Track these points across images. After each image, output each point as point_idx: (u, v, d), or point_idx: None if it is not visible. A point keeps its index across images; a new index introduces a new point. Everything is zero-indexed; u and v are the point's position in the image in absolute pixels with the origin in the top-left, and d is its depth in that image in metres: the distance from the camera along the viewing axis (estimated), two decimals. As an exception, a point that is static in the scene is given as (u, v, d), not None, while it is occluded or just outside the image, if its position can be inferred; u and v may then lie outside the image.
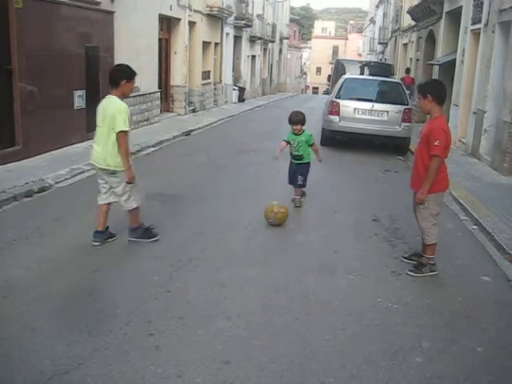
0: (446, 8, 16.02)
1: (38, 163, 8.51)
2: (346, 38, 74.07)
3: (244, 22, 24.04)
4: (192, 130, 14.24)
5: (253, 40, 28.32)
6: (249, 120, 18.73)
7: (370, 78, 13.70)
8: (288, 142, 7.03)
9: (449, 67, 14.87)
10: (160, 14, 14.67)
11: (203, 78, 19.47)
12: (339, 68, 20.83)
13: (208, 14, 19.13)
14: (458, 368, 3.49)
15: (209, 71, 20.40)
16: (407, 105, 11.96)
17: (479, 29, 11.91)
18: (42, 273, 4.55)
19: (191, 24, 17.50)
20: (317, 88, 63.41)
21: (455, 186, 7.93)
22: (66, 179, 7.79)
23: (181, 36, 16.76)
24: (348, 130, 11.85)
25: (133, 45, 12.71)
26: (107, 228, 5.28)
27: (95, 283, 4.48)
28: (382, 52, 38.69)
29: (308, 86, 64.37)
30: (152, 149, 11.07)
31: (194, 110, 18.15)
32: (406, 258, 5.30)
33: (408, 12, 22.12)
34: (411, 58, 23.42)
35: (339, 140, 12.28)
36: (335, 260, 5.31)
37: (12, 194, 6.66)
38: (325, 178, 9.27)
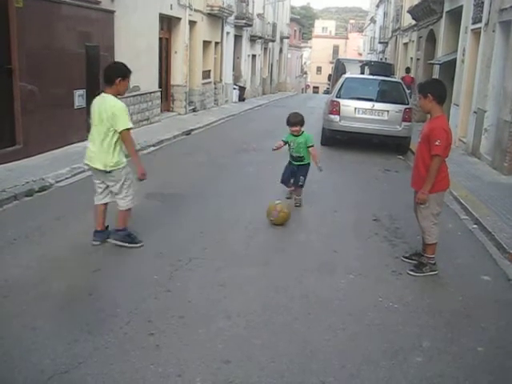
0: (447, 7, 16.02)
1: (38, 162, 8.51)
2: (347, 38, 74.04)
3: (244, 21, 24.03)
4: (192, 130, 14.24)
5: (253, 39, 28.31)
6: (249, 119, 18.73)
7: (371, 77, 13.69)
8: (286, 143, 7.00)
9: (449, 67, 14.87)
10: (160, 14, 14.66)
11: (203, 78, 19.47)
12: (339, 67, 20.83)
13: (208, 14, 19.12)
14: (458, 367, 3.50)
15: (209, 70, 20.39)
16: (407, 104, 11.95)
17: (480, 28, 11.90)
18: (42, 272, 4.55)
19: (192, 23, 17.49)
20: (317, 87, 63.39)
21: (455, 186, 7.93)
22: (67, 178, 7.79)
23: (181, 35, 16.75)
24: (348, 130, 11.85)
25: (133, 44, 12.71)
26: (107, 227, 5.28)
27: (95, 282, 4.48)
28: (383, 51, 38.68)
29: (308, 86, 64.34)
30: (152, 148, 11.07)
31: (194, 110, 18.15)
32: (406, 257, 5.30)
33: (408, 11, 22.11)
34: (412, 58, 23.41)
35: (339, 139, 12.28)
36: (335, 259, 5.31)
37: (12, 193, 6.66)
38: (325, 177, 9.26)
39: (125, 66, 5.13)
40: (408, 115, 11.72)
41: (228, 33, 22.65)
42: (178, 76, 17.01)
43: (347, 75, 13.75)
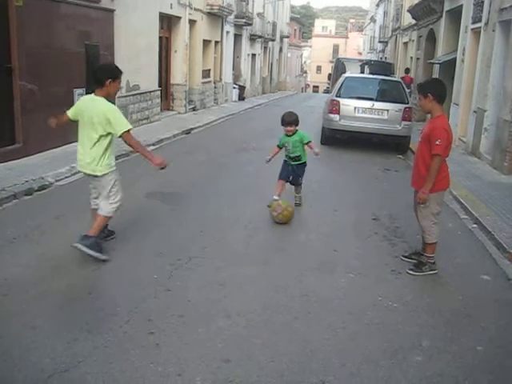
0: (447, 7, 16.01)
1: (38, 161, 8.51)
2: (347, 37, 74.03)
3: (244, 20, 24.01)
4: (192, 129, 14.24)
5: (253, 38, 28.29)
6: (249, 118, 18.73)
7: (371, 76, 13.68)
8: (281, 147, 6.90)
9: (449, 66, 14.87)
10: (160, 13, 14.65)
11: (203, 77, 19.46)
12: (339, 67, 20.83)
13: (208, 13, 19.11)
14: (457, 367, 3.50)
15: (209, 70, 20.38)
16: (407, 103, 11.95)
17: (480, 28, 11.90)
18: (41, 271, 4.55)
19: (191, 22, 17.48)
20: (317, 87, 63.38)
21: (455, 185, 7.93)
22: (66, 177, 7.79)
23: (181, 34, 16.75)
24: (348, 129, 11.85)
25: (133, 43, 12.71)
26: (106, 226, 5.27)
27: (95, 281, 4.49)
28: (383, 51, 38.67)
29: (308, 85, 64.31)
30: (152, 147, 11.05)
31: (194, 109, 18.15)
32: (406, 256, 5.30)
33: (408, 11, 22.12)
34: (411, 57, 23.41)
35: (339, 139, 12.28)
36: (335, 259, 5.31)
37: (12, 192, 6.66)
38: (325, 176, 9.27)
39: (115, 66, 4.98)
40: (408, 114, 11.72)
41: (228, 32, 22.63)
42: (177, 75, 17.01)
43: (347, 74, 13.76)
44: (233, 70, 24.59)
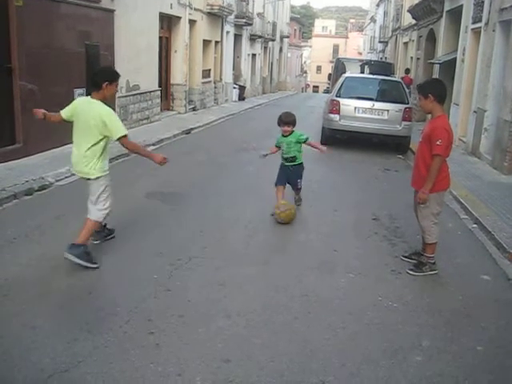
0: (447, 7, 16.01)
1: (38, 161, 8.51)
2: (347, 37, 74.02)
3: (244, 20, 24.02)
4: (192, 129, 14.24)
5: (253, 38, 28.29)
6: (249, 118, 18.73)
7: (371, 76, 13.68)
8: (278, 147, 6.73)
9: (449, 66, 14.87)
10: (160, 13, 14.65)
11: (203, 77, 19.46)
12: (339, 67, 20.83)
13: (208, 13, 19.11)
14: (457, 367, 3.50)
15: (209, 70, 20.38)
16: (407, 104, 11.95)
17: (480, 28, 11.90)
18: (42, 271, 4.55)
19: (191, 22, 17.48)
20: (317, 87, 63.38)
21: (455, 185, 7.93)
22: (66, 177, 7.78)
23: (181, 34, 16.75)
24: (348, 129, 11.85)
25: (133, 43, 12.71)
26: (105, 226, 5.26)
27: (95, 281, 4.48)
28: (383, 51, 38.67)
29: (308, 85, 64.31)
30: (152, 147, 11.06)
31: (194, 109, 18.15)
32: (406, 256, 5.30)
33: (408, 11, 22.12)
34: (412, 57, 23.41)
35: (339, 139, 12.27)
36: (335, 259, 5.31)
37: (12, 192, 6.67)
38: (325, 176, 9.28)
39: (113, 70, 4.95)
40: (408, 114, 11.72)
41: (228, 32, 22.63)
42: (177, 75, 17.01)
43: (347, 74, 13.76)
44: (233, 70, 24.59)
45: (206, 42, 19.45)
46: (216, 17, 20.16)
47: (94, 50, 10.72)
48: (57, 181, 7.56)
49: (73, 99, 5.10)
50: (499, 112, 10.04)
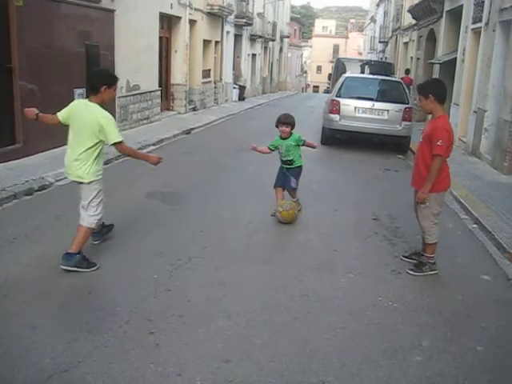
0: (447, 7, 16.01)
1: (38, 161, 8.51)
2: (347, 37, 74.02)
3: (244, 20, 24.02)
4: (192, 129, 14.24)
5: (253, 38, 28.29)
6: (249, 118, 18.73)
7: (371, 76, 13.68)
8: (272, 150, 6.53)
9: (449, 66, 14.87)
10: (160, 13, 14.65)
11: (204, 77, 19.46)
12: (340, 67, 20.82)
13: (208, 13, 19.11)
14: (457, 367, 3.50)
15: (209, 70, 20.38)
16: (408, 104, 11.96)
17: (480, 28, 11.90)
18: (42, 271, 4.55)
19: (192, 22, 17.48)
20: (317, 87, 63.39)
21: (455, 185, 7.93)
22: (67, 177, 7.76)
23: (181, 34, 16.75)
24: (348, 129, 11.85)
25: (133, 43, 12.71)
26: (103, 225, 5.22)
27: (95, 281, 4.48)
28: (383, 51, 38.67)
29: (308, 85, 64.32)
30: (152, 147, 11.07)
31: (194, 109, 18.15)
32: (406, 256, 5.30)
33: (409, 11, 22.11)
34: (412, 57, 23.41)
35: (339, 139, 12.28)
36: (335, 259, 5.31)
37: (12, 192, 6.67)
38: (325, 176, 9.28)
39: (111, 73, 4.89)
40: (408, 114, 11.73)
41: (228, 32, 22.63)
42: (178, 75, 17.01)
43: (347, 74, 13.76)
44: (233, 70, 24.59)
45: (206, 42, 19.46)
46: (216, 17, 20.16)
47: (94, 49, 10.72)
48: (57, 181, 7.55)
49: (73, 99, 5.09)
50: (499, 112, 10.04)
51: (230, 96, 23.82)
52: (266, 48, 33.50)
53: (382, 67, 19.17)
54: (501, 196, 7.95)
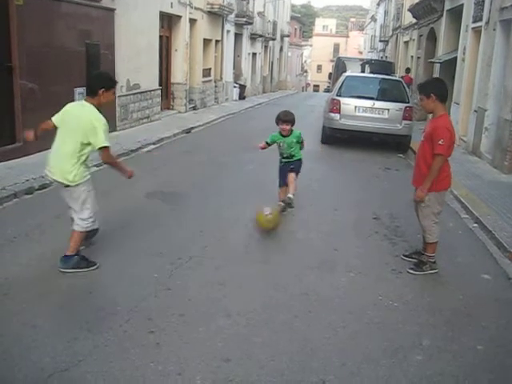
0: (447, 6, 16.00)
1: (38, 160, 8.47)
2: (347, 36, 73.98)
3: (245, 19, 24.01)
4: (192, 128, 14.23)
5: (253, 37, 28.28)
6: (249, 117, 18.72)
7: (371, 75, 13.68)
8: (269, 144, 6.55)
9: (450, 65, 14.86)
10: (161, 12, 14.64)
11: (204, 76, 19.46)
12: (340, 66, 20.82)
13: (209, 12, 19.10)
14: (458, 366, 3.49)
15: (209, 69, 20.37)
16: (408, 103, 11.95)
17: (480, 27, 11.89)
18: (42, 270, 4.55)
19: (192, 21, 17.47)
20: (317, 86, 63.38)
21: (456, 185, 7.92)
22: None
23: (181, 33, 16.74)
24: (349, 128, 11.84)
25: (133, 42, 12.71)
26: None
27: (95, 281, 4.48)
28: (383, 50, 38.66)
29: (309, 84, 64.30)
30: (152, 146, 11.07)
31: (194, 108, 18.14)
32: (406, 256, 5.30)
33: (409, 10, 22.11)
34: (412, 56, 23.39)
35: (340, 138, 12.27)
36: (335, 258, 5.31)
37: (12, 191, 6.67)
38: (325, 175, 9.27)
39: (110, 76, 4.79)
40: (408, 113, 11.72)
41: (228, 31, 22.62)
42: (178, 74, 17.00)
43: (348, 73, 13.75)
44: (233, 69, 24.58)
45: (206, 41, 19.44)
46: (216, 16, 20.15)
47: (95, 49, 10.72)
48: (57, 180, 7.55)
49: (73, 98, 5.07)
50: (500, 111, 10.03)
51: (231, 95, 23.82)
52: (266, 47, 33.48)
53: (382, 66, 19.12)
54: (501, 195, 7.94)
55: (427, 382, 3.31)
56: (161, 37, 15.21)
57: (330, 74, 24.16)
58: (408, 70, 21.63)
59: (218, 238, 5.63)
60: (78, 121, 4.41)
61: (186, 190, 7.59)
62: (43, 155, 8.71)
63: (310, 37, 73.63)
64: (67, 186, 4.47)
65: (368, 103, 11.81)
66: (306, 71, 66.52)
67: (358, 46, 65.73)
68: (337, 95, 12.17)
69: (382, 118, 11.74)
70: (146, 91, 13.71)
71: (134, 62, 12.74)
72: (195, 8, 17.38)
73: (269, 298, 4.31)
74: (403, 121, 11.66)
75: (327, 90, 33.07)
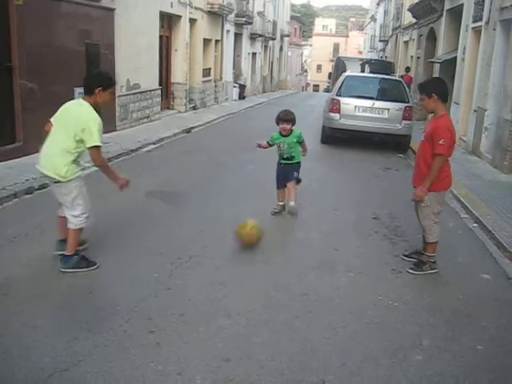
0: (447, 6, 16.00)
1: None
2: (347, 36, 73.96)
3: (245, 19, 24.01)
4: (192, 128, 14.23)
5: (253, 37, 28.28)
6: (249, 117, 18.72)
7: (371, 75, 13.68)
8: (271, 145, 6.56)
9: (450, 65, 14.86)
10: (161, 11, 14.64)
11: (204, 76, 19.46)
12: (340, 65, 20.82)
13: (209, 11, 19.10)
14: (458, 366, 3.49)
15: (209, 68, 20.37)
16: (408, 102, 11.95)
17: (480, 26, 11.89)
18: (42, 270, 4.55)
19: (192, 21, 17.47)
20: (317, 86, 63.37)
21: (456, 184, 7.91)
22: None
23: (181, 33, 16.73)
24: (348, 128, 11.84)
25: (133, 42, 12.70)
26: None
27: (95, 281, 4.48)
28: (383, 50, 38.65)
29: (309, 84, 64.30)
30: (152, 146, 11.06)
31: (194, 108, 18.14)
32: (406, 255, 5.30)
33: (409, 9, 22.10)
34: (412, 56, 23.40)
35: (340, 138, 12.27)
36: (336, 258, 5.31)
37: (12, 191, 6.67)
38: (325, 176, 9.27)
39: (109, 76, 4.70)
40: (408, 113, 11.72)
41: (228, 31, 22.62)
42: (178, 74, 17.00)
43: (347, 73, 13.75)
44: (233, 68, 24.58)
45: (206, 41, 19.44)
46: (216, 15, 20.15)
47: (95, 48, 10.72)
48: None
49: (73, 98, 5.06)
50: (499, 111, 10.03)
51: (231, 95, 23.82)
52: (266, 47, 33.48)
53: (382, 66, 19.12)
54: (501, 195, 7.94)
55: (427, 382, 3.31)
56: (161, 37, 15.21)
57: (330, 73, 24.17)
58: (408, 69, 21.63)
59: (218, 238, 5.63)
60: (72, 118, 4.40)
61: (186, 189, 7.59)
62: (43, 155, 8.76)
63: (310, 36, 73.64)
64: (58, 181, 4.44)
65: (368, 103, 11.81)
66: (305, 71, 66.53)
67: (357, 45, 65.71)
68: (337, 95, 12.17)
69: (382, 117, 11.74)
70: (145, 91, 13.71)
71: (133, 61, 12.74)
72: (195, 8, 17.38)
73: (269, 298, 4.31)
74: (403, 121, 11.66)
75: (327, 90, 33.07)
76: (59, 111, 4.58)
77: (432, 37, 18.69)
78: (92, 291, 4.26)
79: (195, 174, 8.78)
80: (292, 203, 6.47)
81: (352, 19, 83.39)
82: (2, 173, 7.48)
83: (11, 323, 3.68)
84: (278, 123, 6.47)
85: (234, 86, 24.33)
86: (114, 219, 5.57)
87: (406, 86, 12.73)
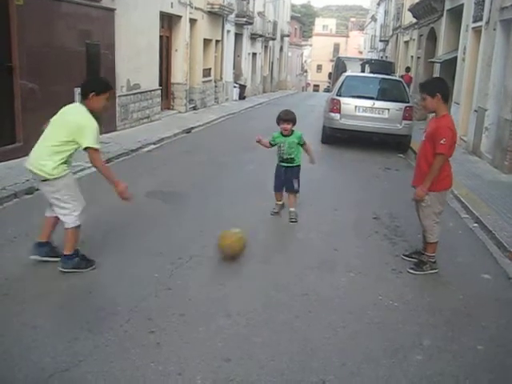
0: (448, 6, 16.00)
1: (38, 160, 8.50)
2: (347, 36, 73.98)
3: (245, 19, 24.01)
4: (193, 128, 14.23)
5: (254, 37, 28.29)
6: (249, 117, 18.72)
7: (371, 75, 13.67)
8: (273, 145, 6.51)
9: (450, 65, 14.86)
10: (161, 12, 14.65)
11: (204, 76, 19.46)
12: (340, 66, 20.84)
13: (209, 12, 19.10)
14: (458, 366, 3.49)
15: (209, 69, 20.37)
16: (408, 102, 11.95)
17: (480, 26, 11.89)
18: (42, 270, 4.54)
19: (192, 21, 17.47)
20: (317, 86, 63.38)
21: (456, 184, 7.89)
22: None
23: (182, 33, 16.74)
24: (349, 128, 11.84)
25: (134, 42, 12.71)
26: (50, 244, 4.72)
27: (95, 281, 4.48)
28: (383, 50, 38.66)
29: (309, 84, 64.30)
30: (153, 146, 11.07)
31: (194, 108, 18.14)
32: (406, 255, 5.30)
33: (409, 9, 22.11)
34: (412, 56, 23.39)
35: (340, 138, 12.28)
36: (336, 258, 5.31)
37: (13, 191, 6.67)
38: (325, 175, 9.27)
39: (104, 81, 4.70)
40: (408, 113, 11.72)
41: (228, 31, 22.62)
42: (178, 74, 17.00)
43: (348, 73, 13.75)
44: (233, 68, 24.58)
45: (206, 41, 19.45)
46: (217, 16, 20.15)
47: (95, 49, 10.73)
48: (57, 180, 7.55)
49: (73, 98, 5.06)
50: (500, 111, 10.03)
51: (231, 95, 23.82)
52: (266, 47, 33.49)
53: (382, 66, 19.09)
54: (501, 195, 7.94)
55: (427, 382, 3.31)
56: (161, 37, 15.21)
57: (330, 73, 24.20)
58: (408, 69, 21.63)
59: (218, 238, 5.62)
60: (66, 120, 4.39)
61: (186, 189, 7.59)
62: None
63: (310, 37, 73.65)
64: (45, 179, 4.40)
65: (368, 103, 11.81)
66: (305, 71, 66.53)
67: (358, 45, 65.71)
68: (337, 95, 12.17)
69: (382, 117, 11.74)
70: (146, 91, 13.71)
71: (134, 61, 12.75)
72: (195, 8, 17.38)
73: (269, 297, 4.31)
74: (403, 121, 11.66)
75: (327, 90, 33.09)
76: (57, 114, 4.57)
77: (432, 37, 18.69)
78: (92, 291, 4.26)
79: (195, 174, 8.78)
80: (293, 209, 6.45)
81: (352, 19, 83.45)
82: (2, 173, 7.49)
83: (11, 323, 3.68)
84: (278, 123, 6.43)
85: (235, 87, 24.34)
86: (114, 219, 5.56)
87: (406, 86, 12.72)
